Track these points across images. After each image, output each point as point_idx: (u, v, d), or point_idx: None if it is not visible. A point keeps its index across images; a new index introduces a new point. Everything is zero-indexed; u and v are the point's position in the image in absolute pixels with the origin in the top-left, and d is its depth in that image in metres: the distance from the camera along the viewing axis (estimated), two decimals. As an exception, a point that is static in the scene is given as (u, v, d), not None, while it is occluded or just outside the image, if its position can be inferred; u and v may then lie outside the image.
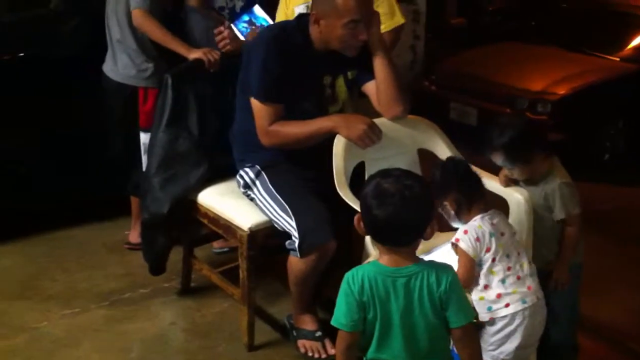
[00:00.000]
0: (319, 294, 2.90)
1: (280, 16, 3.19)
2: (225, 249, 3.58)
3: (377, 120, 2.81)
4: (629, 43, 6.09)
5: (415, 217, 1.82)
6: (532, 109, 5.35)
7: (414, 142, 2.87)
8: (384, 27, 2.98)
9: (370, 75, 2.77)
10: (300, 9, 3.11)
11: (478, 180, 2.43)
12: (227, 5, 3.59)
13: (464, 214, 2.36)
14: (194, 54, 3.11)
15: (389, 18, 3.18)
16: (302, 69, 2.68)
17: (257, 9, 3.29)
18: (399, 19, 3.25)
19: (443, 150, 2.85)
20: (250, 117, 2.74)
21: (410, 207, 1.80)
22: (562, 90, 5.45)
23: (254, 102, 2.69)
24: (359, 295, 1.83)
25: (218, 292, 3.22)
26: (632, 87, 5.66)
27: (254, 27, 3.23)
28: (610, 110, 5.58)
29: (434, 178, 2.42)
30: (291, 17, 2.99)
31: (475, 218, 2.32)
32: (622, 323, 3.37)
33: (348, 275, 1.88)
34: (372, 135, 2.64)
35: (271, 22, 3.27)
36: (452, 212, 2.36)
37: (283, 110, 2.68)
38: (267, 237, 2.79)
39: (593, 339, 3.12)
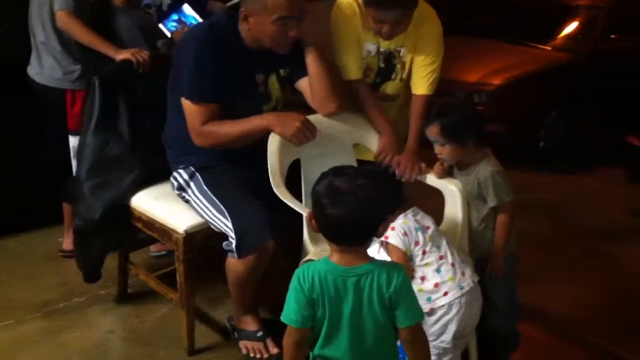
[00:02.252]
0: (261, 294, 2.87)
1: (351, 48, 2.85)
2: (163, 252, 3.52)
3: (311, 117, 2.80)
4: (560, 32, 6.24)
5: (368, 216, 1.81)
6: (468, 100, 5.41)
7: (349, 138, 2.87)
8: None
9: (303, 71, 2.75)
10: (370, 46, 2.89)
11: (399, 187, 2.51)
12: (154, 2, 3.53)
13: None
14: (121, 55, 3.04)
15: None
16: (234, 67, 2.63)
17: (187, 8, 3.24)
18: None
19: (375, 145, 2.86)
20: (183, 117, 2.69)
21: (364, 207, 1.79)
22: (497, 81, 5.54)
23: (186, 103, 2.63)
24: (309, 292, 1.82)
25: (157, 297, 3.16)
26: (565, 75, 5.79)
27: (183, 26, 3.17)
28: (545, 99, 5.69)
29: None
30: (359, 53, 2.85)
31: (398, 217, 2.35)
32: (564, 310, 3.43)
33: (299, 271, 1.86)
34: (307, 132, 2.62)
35: (201, 20, 3.22)
36: None
37: (217, 110, 2.63)
38: (205, 238, 2.74)
39: (536, 326, 3.18)
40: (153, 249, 3.55)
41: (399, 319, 1.84)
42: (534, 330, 3.10)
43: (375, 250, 2.41)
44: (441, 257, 2.31)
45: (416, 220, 2.34)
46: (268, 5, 2.53)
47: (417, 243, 2.30)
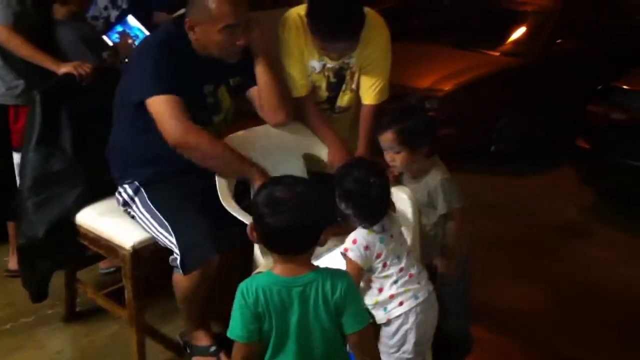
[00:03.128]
0: (213, 307, 2.83)
1: (296, 65, 2.82)
2: (113, 269, 3.45)
3: (260, 127, 2.78)
4: (508, 38, 6.34)
5: (308, 224, 1.80)
6: (420, 106, 5.43)
7: (299, 148, 2.85)
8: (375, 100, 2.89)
9: (253, 81, 2.73)
10: (315, 63, 2.84)
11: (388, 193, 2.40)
12: (102, 14, 3.48)
13: (360, 221, 2.31)
14: (63, 69, 2.97)
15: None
16: (184, 77, 2.57)
17: (131, 19, 3.19)
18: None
19: (325, 155, 2.85)
20: (128, 131, 2.63)
21: (303, 214, 1.78)
22: (448, 87, 5.60)
23: (154, 102, 2.48)
24: (254, 306, 1.80)
25: (106, 315, 3.10)
26: (514, 80, 5.88)
27: (126, 37, 3.12)
28: (496, 103, 5.76)
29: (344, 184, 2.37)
30: (305, 70, 2.83)
31: (365, 224, 2.29)
32: (518, 311, 3.48)
33: (242, 286, 1.84)
34: None
35: (146, 31, 3.17)
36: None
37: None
38: (153, 253, 2.68)
39: (490, 328, 3.20)
40: (102, 265, 3.48)
41: (346, 326, 1.83)
42: (487, 332, 3.13)
43: (335, 256, 2.40)
44: (401, 270, 2.29)
45: (382, 227, 2.28)
46: (213, 14, 2.49)
47: (378, 255, 2.26)
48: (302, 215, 1.77)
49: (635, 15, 7.05)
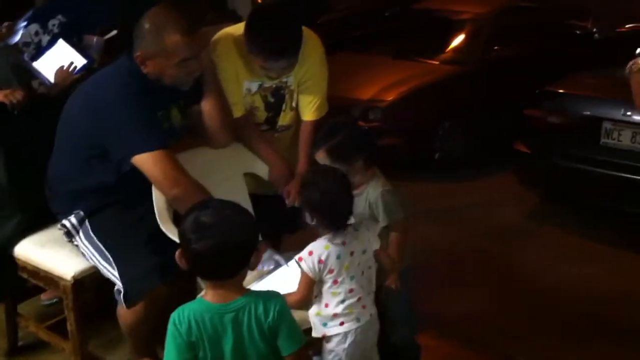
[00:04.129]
0: (160, 334, 2.78)
1: (231, 87, 2.79)
2: (55, 300, 3.36)
3: (200, 149, 2.76)
4: (447, 46, 6.44)
5: (236, 248, 1.78)
6: (363, 117, 5.50)
7: (239, 168, 2.85)
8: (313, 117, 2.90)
9: (197, 99, 2.68)
10: (250, 84, 2.83)
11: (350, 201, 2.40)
12: (33, 40, 3.40)
13: (326, 229, 2.30)
14: None
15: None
16: (140, 107, 2.48)
17: (62, 44, 3.13)
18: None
19: (266, 173, 2.86)
20: (73, 160, 2.57)
21: (231, 239, 1.77)
22: (390, 97, 5.64)
23: (142, 158, 2.39)
24: (187, 335, 1.78)
25: (50, 347, 3.03)
26: (455, 87, 5.98)
27: (63, 68, 3.06)
28: (438, 111, 5.84)
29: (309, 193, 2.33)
30: (240, 91, 2.80)
31: (326, 236, 2.27)
32: (464, 317, 3.52)
33: (174, 315, 1.82)
34: None
35: (79, 55, 3.12)
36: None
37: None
38: (95, 282, 2.64)
39: (437, 336, 3.25)
40: (44, 297, 3.40)
41: (282, 347, 1.84)
42: (434, 339, 3.17)
43: (282, 271, 2.42)
44: (351, 291, 2.29)
45: (344, 243, 2.26)
46: (168, 49, 2.43)
47: (331, 271, 2.25)
48: (228, 240, 1.76)
49: (568, 21, 7.26)
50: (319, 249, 2.25)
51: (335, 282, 2.27)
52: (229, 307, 1.80)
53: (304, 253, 2.26)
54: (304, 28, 2.77)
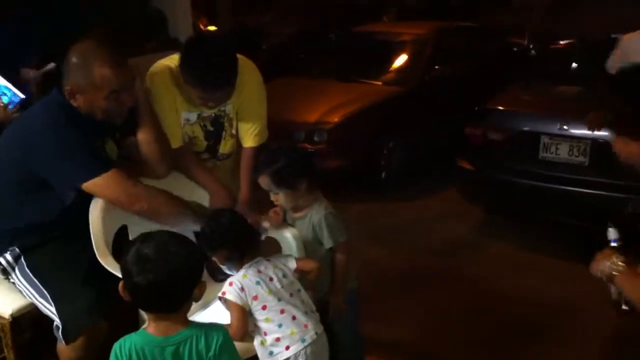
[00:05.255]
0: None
1: (169, 118, 2.80)
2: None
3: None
4: (389, 68, 6.55)
5: (178, 281, 1.78)
6: (309, 140, 5.54)
7: (180, 196, 2.82)
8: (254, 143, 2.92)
9: (132, 130, 2.67)
10: (188, 115, 2.85)
11: (249, 233, 2.45)
12: (-30, 75, 3.32)
13: (235, 265, 2.37)
14: None
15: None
16: (73, 138, 2.47)
17: (-1, 78, 3.08)
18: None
19: (207, 200, 2.84)
20: (10, 196, 2.54)
21: (173, 272, 1.76)
22: (335, 118, 5.70)
23: (95, 184, 2.42)
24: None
25: (-9, 387, 2.94)
26: (397, 108, 6.07)
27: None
28: (382, 131, 5.92)
29: (205, 229, 2.39)
30: (178, 122, 2.82)
31: (242, 268, 2.34)
32: (415, 335, 3.57)
33: (115, 346, 1.82)
34: None
35: (15, 90, 3.07)
36: (222, 265, 2.37)
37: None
38: (36, 319, 2.59)
39: (381, 358, 3.27)
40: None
41: None
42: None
43: (219, 307, 2.39)
44: (282, 311, 2.31)
45: (258, 272, 2.33)
46: (96, 82, 2.43)
47: (255, 298, 2.28)
48: (169, 274, 1.75)
49: (505, 38, 7.47)
50: (237, 279, 2.31)
51: (263, 307, 2.29)
52: (170, 340, 1.79)
53: (225, 287, 2.30)
54: (239, 56, 2.79)
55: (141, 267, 1.75)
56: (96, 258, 2.47)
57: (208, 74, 2.59)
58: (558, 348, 3.44)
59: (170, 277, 1.76)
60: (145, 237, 1.84)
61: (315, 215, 2.62)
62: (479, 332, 3.61)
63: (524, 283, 4.13)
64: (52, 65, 3.27)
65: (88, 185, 2.43)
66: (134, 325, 2.58)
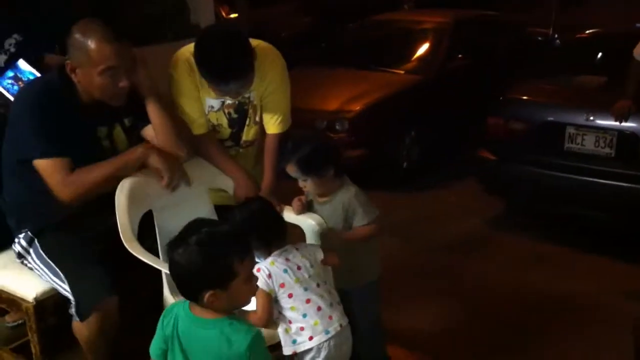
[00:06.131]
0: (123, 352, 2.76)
1: (190, 105, 2.81)
2: (20, 321, 3.30)
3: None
4: (411, 56, 6.50)
5: (188, 276, 1.79)
6: (331, 129, 5.51)
7: (202, 183, 2.82)
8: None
9: (146, 120, 2.68)
10: (212, 102, 2.84)
11: (277, 222, 2.43)
12: (-10, 61, 3.34)
13: (263, 253, 2.36)
14: None
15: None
16: (72, 122, 2.51)
17: (22, 63, 3.08)
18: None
19: (231, 187, 2.84)
20: (20, 181, 2.56)
21: (187, 265, 1.78)
22: (356, 107, 5.67)
23: (40, 163, 2.46)
24: (164, 328, 1.87)
25: (15, 371, 2.97)
26: (419, 97, 6.03)
27: (21, 83, 3.01)
28: (403, 121, 5.89)
29: (235, 215, 2.39)
30: (201, 109, 2.82)
31: (271, 255, 2.33)
32: (429, 329, 3.54)
33: (168, 308, 1.91)
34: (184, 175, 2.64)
35: (39, 75, 3.07)
36: None
37: (72, 163, 2.49)
38: (59, 303, 2.59)
39: (403, 349, 3.23)
40: (8, 319, 3.34)
41: None
42: (401, 352, 3.15)
43: None
44: (308, 301, 2.30)
45: (286, 260, 2.32)
46: (92, 57, 2.44)
47: (282, 285, 2.27)
48: (185, 265, 1.79)
49: (529, 28, 7.39)
50: (265, 265, 2.30)
51: (289, 295, 2.29)
52: (200, 321, 1.83)
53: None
54: (262, 44, 2.79)
55: (173, 248, 1.80)
56: (105, 241, 2.51)
57: (216, 70, 2.60)
58: (574, 342, 3.42)
59: (183, 269, 1.79)
60: (199, 223, 1.85)
61: (345, 195, 2.60)
62: (497, 324, 3.59)
63: (542, 277, 4.09)
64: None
65: (36, 164, 2.47)
66: (157, 308, 2.60)
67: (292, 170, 2.59)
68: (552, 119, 4.55)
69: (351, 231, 2.61)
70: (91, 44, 2.44)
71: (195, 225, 1.83)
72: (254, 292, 1.89)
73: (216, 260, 1.77)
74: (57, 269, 2.48)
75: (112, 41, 2.45)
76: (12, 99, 3.06)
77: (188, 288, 1.82)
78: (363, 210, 2.58)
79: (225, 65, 2.57)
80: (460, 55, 6.44)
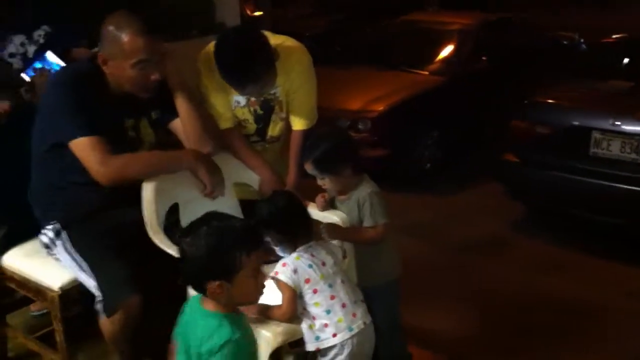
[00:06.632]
0: (148, 343, 2.77)
1: (217, 99, 2.84)
2: (44, 311, 3.33)
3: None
4: (435, 57, 6.48)
5: (190, 263, 1.82)
6: (353, 128, 5.50)
7: (228, 178, 2.82)
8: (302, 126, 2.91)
9: (174, 113, 2.70)
10: (238, 97, 2.86)
11: (304, 216, 2.43)
12: (19, 51, 3.36)
13: (289, 248, 2.35)
14: None
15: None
16: (101, 112, 2.53)
17: (50, 55, 3.11)
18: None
19: (256, 182, 2.85)
20: (47, 170, 2.58)
21: (192, 253, 1.81)
22: (379, 107, 5.66)
23: (79, 142, 2.46)
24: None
25: (39, 358, 2.98)
26: (442, 98, 6.00)
27: (42, 71, 3.05)
28: (426, 122, 5.87)
29: (261, 209, 2.38)
30: (228, 104, 2.85)
31: (296, 250, 2.33)
32: (446, 329, 3.53)
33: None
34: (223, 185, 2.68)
35: (65, 67, 3.11)
36: (276, 247, 2.36)
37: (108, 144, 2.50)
38: (83, 293, 2.61)
39: (422, 348, 3.22)
40: (33, 308, 3.36)
41: None
42: (418, 351, 3.13)
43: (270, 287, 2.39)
44: (332, 297, 2.29)
45: (312, 256, 2.31)
46: (125, 49, 2.47)
47: (307, 281, 2.27)
48: (186, 266, 1.84)
49: (555, 31, 7.33)
50: (291, 261, 2.30)
51: (314, 291, 2.28)
52: (201, 312, 1.87)
53: (278, 267, 2.29)
54: (287, 40, 2.81)
55: (185, 237, 1.84)
56: (131, 235, 2.52)
57: (232, 75, 2.63)
58: (594, 347, 3.41)
59: (192, 257, 1.81)
60: (211, 216, 1.87)
61: (361, 192, 2.60)
62: (510, 329, 3.58)
63: (561, 281, 4.07)
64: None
65: (71, 145, 2.47)
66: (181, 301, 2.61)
67: (309, 168, 2.60)
68: (577, 123, 4.51)
69: (353, 231, 2.60)
70: (124, 36, 2.47)
71: (207, 217, 1.86)
72: (260, 289, 1.89)
73: (220, 251, 1.79)
74: (84, 264, 2.50)
75: (145, 34, 2.48)
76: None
77: (193, 277, 1.85)
78: (372, 212, 2.57)
79: (241, 71, 2.59)
80: (484, 58, 6.40)
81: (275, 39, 2.78)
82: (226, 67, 2.62)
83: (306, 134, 2.88)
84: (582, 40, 7.19)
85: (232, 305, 1.88)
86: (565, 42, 7.29)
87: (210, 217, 1.86)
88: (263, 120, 2.92)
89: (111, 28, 2.49)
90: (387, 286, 2.71)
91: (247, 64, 2.57)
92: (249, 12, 9.59)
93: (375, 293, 2.62)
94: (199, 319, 1.86)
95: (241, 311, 1.95)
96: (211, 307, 1.86)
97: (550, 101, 4.85)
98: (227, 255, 1.79)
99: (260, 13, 10.06)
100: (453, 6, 9.25)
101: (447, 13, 7.84)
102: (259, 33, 2.67)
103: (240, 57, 2.56)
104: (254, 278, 1.84)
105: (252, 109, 2.88)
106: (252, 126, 2.93)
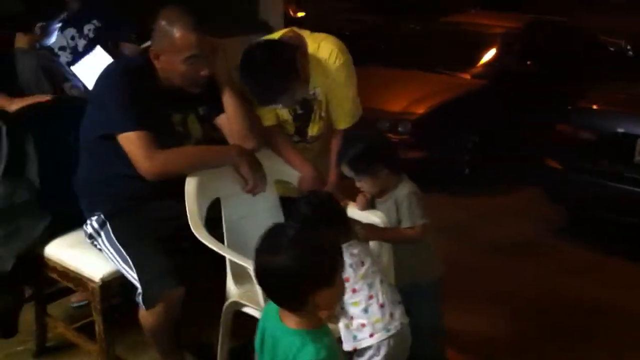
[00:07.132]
0: (187, 336, 2.80)
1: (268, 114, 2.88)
2: (84, 302, 3.37)
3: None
4: (478, 61, 6.41)
5: (276, 277, 1.67)
6: (393, 130, 5.48)
7: (270, 174, 2.82)
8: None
9: (220, 109, 2.72)
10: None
11: (341, 216, 2.41)
12: (69, 44, 3.44)
13: None
14: (15, 105, 2.89)
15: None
16: (150, 107, 2.56)
17: (99, 50, 3.17)
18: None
19: (296, 179, 2.86)
20: (94, 161, 2.62)
21: (273, 265, 1.66)
22: (420, 110, 5.63)
23: (127, 136, 2.48)
24: (260, 321, 1.87)
25: (78, 349, 3.02)
26: (483, 102, 5.94)
27: None
28: (467, 125, 5.81)
29: (301, 207, 2.38)
30: (278, 115, 2.89)
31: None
32: (484, 334, 3.49)
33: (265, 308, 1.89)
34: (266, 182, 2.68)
35: (114, 62, 3.15)
36: None
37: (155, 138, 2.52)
38: (123, 285, 2.64)
39: (459, 352, 3.18)
40: (73, 299, 3.41)
41: None
42: (452, 354, 3.09)
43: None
44: (370, 297, 2.28)
45: (352, 255, 2.29)
46: (177, 45, 2.50)
47: (346, 280, 2.24)
48: (269, 265, 1.69)
49: (600, 36, 7.21)
50: None
51: (353, 290, 2.27)
52: (280, 326, 1.75)
53: None
54: (326, 39, 2.80)
55: (259, 249, 1.71)
56: (174, 228, 2.55)
57: (257, 92, 2.65)
58: (630, 351, 3.38)
59: (267, 270, 1.69)
60: (288, 226, 1.83)
61: (400, 193, 2.57)
62: (545, 332, 3.53)
63: (598, 286, 4.01)
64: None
65: (120, 138, 2.50)
66: (220, 295, 2.63)
67: (345, 170, 2.59)
68: (622, 130, 4.43)
69: (391, 231, 2.58)
70: (177, 32, 2.49)
71: (279, 231, 1.74)
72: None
73: (321, 258, 1.68)
74: (127, 256, 2.51)
75: (196, 30, 2.50)
76: (87, 84, 3.16)
77: (292, 292, 1.67)
78: (410, 212, 2.54)
79: (265, 89, 2.60)
80: (529, 62, 6.31)
81: (313, 38, 2.79)
82: (252, 86, 2.64)
83: (347, 133, 2.88)
84: (628, 47, 7.05)
85: (315, 320, 1.74)
86: (612, 49, 7.15)
87: (282, 230, 1.75)
88: (302, 119, 2.92)
89: (164, 23, 2.52)
90: (428, 287, 2.68)
91: (273, 81, 2.58)
92: (291, 12, 9.62)
93: (415, 293, 2.59)
94: (280, 337, 1.75)
95: (324, 322, 1.79)
96: (292, 324, 1.73)
97: (594, 107, 4.78)
98: (326, 260, 1.68)
99: (303, 14, 10.09)
100: (496, 7, 9.11)
101: (491, 15, 7.74)
102: (284, 49, 2.64)
103: (265, 74, 2.57)
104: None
105: (292, 108, 2.88)
106: (291, 126, 2.94)
